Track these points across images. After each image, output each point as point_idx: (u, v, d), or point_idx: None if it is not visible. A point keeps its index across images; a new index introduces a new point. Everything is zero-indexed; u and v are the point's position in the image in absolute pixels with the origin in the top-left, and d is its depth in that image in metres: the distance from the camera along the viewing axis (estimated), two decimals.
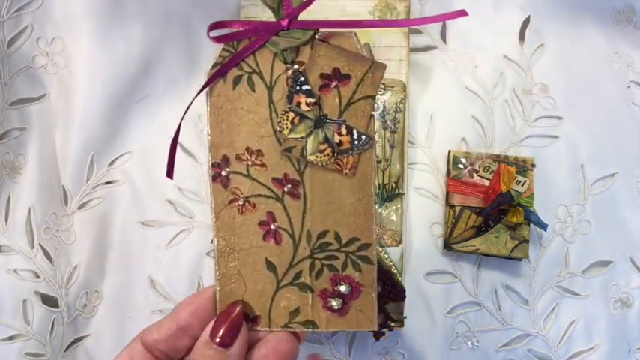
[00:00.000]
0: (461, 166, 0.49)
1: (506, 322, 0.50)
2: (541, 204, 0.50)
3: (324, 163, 0.33)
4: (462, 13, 0.33)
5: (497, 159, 0.49)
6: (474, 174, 0.49)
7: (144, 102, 0.51)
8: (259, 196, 0.34)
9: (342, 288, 0.34)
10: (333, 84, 0.33)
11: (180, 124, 0.34)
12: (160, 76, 0.51)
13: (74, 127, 0.49)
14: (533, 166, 0.49)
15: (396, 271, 0.47)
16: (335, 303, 0.34)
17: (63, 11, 0.50)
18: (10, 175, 0.48)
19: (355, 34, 0.32)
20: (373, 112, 0.33)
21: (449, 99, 0.52)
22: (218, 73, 0.33)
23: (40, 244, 0.48)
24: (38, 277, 0.48)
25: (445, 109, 0.52)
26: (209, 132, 0.34)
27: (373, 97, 0.33)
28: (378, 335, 0.47)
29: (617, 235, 0.51)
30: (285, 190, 0.34)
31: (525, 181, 0.49)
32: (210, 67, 0.33)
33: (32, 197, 0.48)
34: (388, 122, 0.48)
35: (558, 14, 0.54)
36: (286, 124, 0.33)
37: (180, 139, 0.50)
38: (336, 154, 0.33)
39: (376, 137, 0.48)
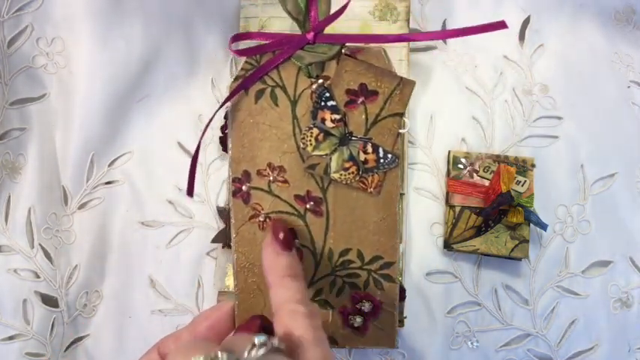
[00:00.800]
0: (461, 166, 0.49)
1: (506, 322, 0.50)
2: (541, 204, 0.50)
3: (348, 182, 0.32)
4: (502, 24, 0.31)
5: (497, 159, 0.49)
6: (474, 174, 0.49)
7: (144, 102, 0.51)
8: (281, 212, 0.33)
9: (364, 306, 0.34)
10: (360, 100, 0.32)
11: (199, 143, 0.33)
12: (160, 76, 0.51)
13: (74, 127, 0.49)
14: (533, 166, 0.49)
15: None
16: (356, 321, 0.34)
17: (63, 11, 0.50)
18: (10, 175, 0.48)
19: (384, 49, 0.32)
20: (400, 130, 0.32)
21: (449, 99, 0.52)
22: (241, 86, 0.32)
23: (40, 244, 0.48)
24: (38, 277, 0.48)
25: (445, 109, 0.52)
26: (230, 146, 0.33)
27: (401, 115, 0.32)
28: None
29: (617, 235, 0.51)
30: (308, 207, 0.33)
31: (525, 181, 0.49)
32: (232, 79, 0.32)
33: (32, 197, 0.48)
34: None
35: (558, 14, 0.54)
36: (310, 140, 0.32)
37: (180, 139, 0.51)
38: (361, 173, 0.32)
39: None
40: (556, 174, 0.51)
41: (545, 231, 0.49)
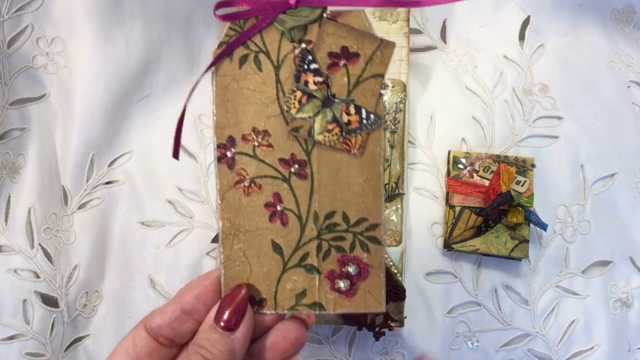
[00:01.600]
0: (461, 166, 0.49)
1: (506, 322, 0.50)
2: (541, 204, 0.50)
3: (332, 143, 0.33)
4: None
5: (497, 159, 0.49)
6: (474, 174, 0.49)
7: (144, 102, 0.51)
8: (266, 176, 0.33)
9: (350, 269, 0.34)
10: (342, 63, 0.32)
11: (186, 103, 0.33)
12: (160, 76, 0.51)
13: (74, 127, 0.49)
14: (533, 166, 0.49)
15: (396, 271, 0.47)
16: (343, 284, 0.34)
17: (63, 11, 0.50)
18: (10, 175, 0.48)
19: (364, 11, 0.32)
20: (382, 92, 0.32)
21: (449, 99, 0.52)
22: (224, 52, 0.32)
23: (40, 244, 0.48)
24: (38, 277, 0.48)
25: (445, 109, 0.52)
26: (214, 112, 0.33)
27: (382, 76, 0.32)
28: (378, 335, 0.47)
29: (617, 235, 0.51)
30: (292, 170, 0.33)
31: (525, 181, 0.49)
32: (217, 46, 0.32)
33: (32, 197, 0.48)
34: (388, 122, 0.48)
35: (558, 14, 0.54)
36: (294, 103, 0.33)
37: (181, 139, 0.51)
38: (344, 134, 0.32)
39: None
40: (556, 174, 0.51)
41: (545, 231, 0.49)
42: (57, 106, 0.50)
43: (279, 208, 0.34)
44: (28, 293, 0.47)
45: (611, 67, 0.53)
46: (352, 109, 0.32)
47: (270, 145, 0.33)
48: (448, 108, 0.52)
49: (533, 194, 0.48)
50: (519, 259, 0.50)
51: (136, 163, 0.50)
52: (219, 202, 0.34)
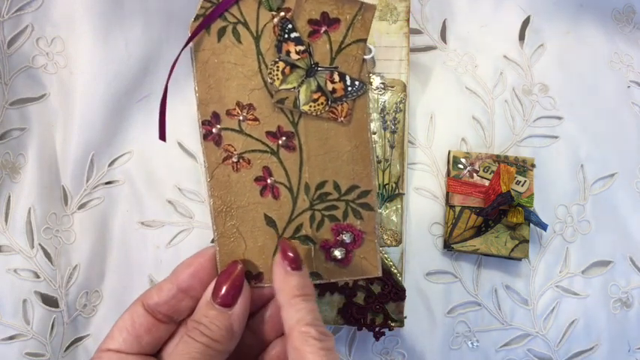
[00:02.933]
0: (461, 166, 0.49)
1: (506, 322, 0.50)
2: (541, 204, 0.50)
3: (318, 113, 0.32)
4: None
5: (497, 159, 0.49)
6: (474, 174, 0.49)
7: (144, 102, 0.51)
8: (254, 151, 0.33)
9: (345, 237, 0.34)
10: (323, 29, 0.31)
11: (167, 82, 0.33)
12: (159, 76, 0.51)
13: (74, 127, 0.49)
14: (533, 166, 0.49)
15: (396, 271, 0.47)
16: (338, 253, 0.34)
17: (63, 11, 0.50)
18: (10, 175, 0.48)
19: None
20: (365, 57, 0.32)
21: (449, 99, 0.52)
22: (201, 25, 0.31)
23: (40, 244, 0.48)
24: (38, 277, 0.48)
25: (445, 109, 0.52)
26: (196, 88, 0.32)
27: (364, 41, 0.32)
28: (378, 335, 0.47)
29: (617, 235, 0.51)
30: (280, 142, 0.33)
31: (525, 181, 0.49)
32: (193, 19, 0.31)
33: (32, 197, 0.48)
34: (388, 122, 0.48)
35: (558, 14, 0.54)
36: (277, 74, 0.32)
37: (180, 139, 0.51)
38: (330, 102, 0.32)
39: (376, 137, 0.48)
40: (556, 174, 0.51)
41: (545, 231, 0.49)
42: (57, 106, 0.50)
43: (269, 181, 0.33)
44: (28, 293, 0.47)
45: (611, 67, 0.53)
46: (336, 77, 0.32)
47: (255, 119, 0.33)
48: (448, 108, 0.52)
49: (533, 194, 0.48)
50: (519, 259, 0.50)
51: (136, 163, 0.50)
52: (208, 179, 0.33)
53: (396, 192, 0.48)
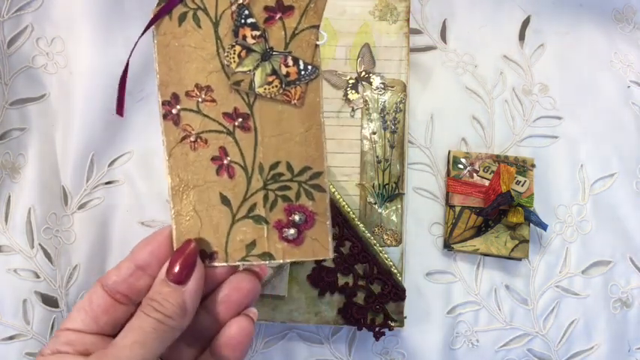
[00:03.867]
0: (461, 166, 0.49)
1: (506, 322, 0.50)
2: (541, 204, 0.50)
3: (272, 95, 0.33)
4: None
5: (497, 159, 0.49)
6: (474, 174, 0.49)
7: (144, 102, 0.51)
8: (211, 131, 0.34)
9: (296, 217, 0.34)
10: (278, 16, 0.33)
11: (128, 60, 0.34)
12: None
13: (74, 127, 0.49)
14: (533, 166, 0.49)
15: (396, 271, 0.47)
16: (290, 233, 0.35)
17: (63, 11, 0.50)
18: (10, 175, 0.48)
19: None
20: (318, 42, 0.33)
21: (449, 99, 0.52)
22: (163, 10, 0.33)
23: (40, 244, 0.48)
24: (38, 277, 0.48)
25: (445, 109, 0.52)
26: (157, 70, 0.34)
27: (317, 27, 0.33)
28: (378, 335, 0.47)
29: (617, 235, 0.51)
30: (236, 123, 0.34)
31: (525, 181, 0.49)
32: (156, 5, 0.33)
33: (32, 197, 0.48)
34: (388, 122, 0.48)
35: (558, 14, 0.54)
36: (234, 58, 0.33)
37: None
38: (284, 85, 0.33)
39: (376, 137, 0.48)
40: (556, 174, 0.51)
41: (545, 231, 0.49)
42: (57, 106, 0.50)
43: (225, 161, 0.34)
44: (28, 293, 0.47)
45: (611, 67, 0.53)
46: (290, 61, 0.33)
47: (213, 100, 0.34)
48: (448, 108, 0.52)
49: (533, 194, 0.48)
50: (519, 259, 0.50)
51: (136, 163, 0.50)
52: (167, 158, 0.34)
53: (396, 192, 0.48)
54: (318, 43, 0.33)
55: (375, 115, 0.48)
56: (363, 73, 0.48)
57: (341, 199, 0.47)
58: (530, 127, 0.52)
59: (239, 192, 0.35)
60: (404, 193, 0.48)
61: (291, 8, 0.33)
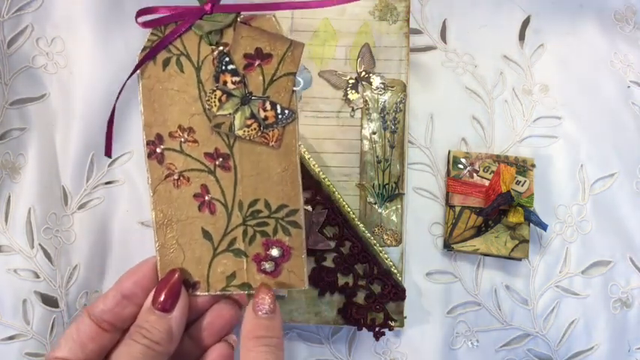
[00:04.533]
0: (461, 166, 0.49)
1: (506, 322, 0.50)
2: (541, 204, 0.50)
3: (251, 137, 0.35)
4: None
5: (498, 159, 0.49)
6: (474, 174, 0.49)
7: None
8: (193, 170, 0.36)
9: (274, 252, 0.36)
10: (257, 63, 0.35)
11: (115, 104, 0.36)
12: None
13: (74, 127, 0.49)
14: (533, 166, 0.49)
15: (396, 271, 0.47)
16: (268, 266, 0.37)
17: (63, 11, 0.50)
18: (10, 175, 0.48)
19: (274, 16, 0.35)
20: (295, 88, 0.35)
21: (449, 99, 0.52)
22: (148, 56, 0.35)
23: (40, 244, 0.48)
24: (38, 277, 0.48)
25: (445, 109, 0.52)
26: (142, 112, 0.36)
27: (294, 74, 0.35)
28: (378, 335, 0.47)
29: (617, 235, 0.51)
30: (217, 163, 0.36)
31: (525, 181, 0.49)
32: (141, 50, 0.35)
33: (32, 197, 0.48)
34: (388, 122, 0.48)
35: (558, 14, 0.54)
36: (215, 102, 0.35)
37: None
38: (262, 128, 0.35)
39: (376, 137, 0.48)
40: (556, 174, 0.51)
41: (545, 231, 0.49)
42: (57, 106, 0.50)
43: (206, 198, 0.36)
44: (28, 293, 0.47)
45: (611, 67, 0.53)
46: (268, 106, 0.35)
47: (195, 141, 0.36)
48: (448, 108, 0.52)
49: (533, 194, 0.48)
50: (519, 259, 0.50)
51: (136, 163, 0.50)
52: (151, 194, 0.36)
53: (396, 192, 0.48)
54: (294, 88, 0.35)
55: (375, 115, 0.48)
56: (363, 73, 0.49)
57: (341, 199, 0.47)
58: (530, 127, 0.52)
59: (220, 227, 0.36)
60: (404, 193, 0.48)
61: (269, 56, 0.35)
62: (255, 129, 0.35)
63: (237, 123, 0.35)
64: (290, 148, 0.35)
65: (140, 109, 0.35)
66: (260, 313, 0.34)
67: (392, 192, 0.48)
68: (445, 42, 0.53)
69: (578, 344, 0.50)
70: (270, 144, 0.35)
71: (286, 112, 0.35)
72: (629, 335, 0.50)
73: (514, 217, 0.47)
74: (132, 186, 0.50)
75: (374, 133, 0.48)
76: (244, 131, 0.35)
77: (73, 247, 0.49)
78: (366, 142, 0.48)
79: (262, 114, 0.35)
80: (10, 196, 0.48)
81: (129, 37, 0.50)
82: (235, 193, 0.36)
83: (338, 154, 0.48)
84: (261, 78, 0.35)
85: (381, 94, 0.48)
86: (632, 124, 0.52)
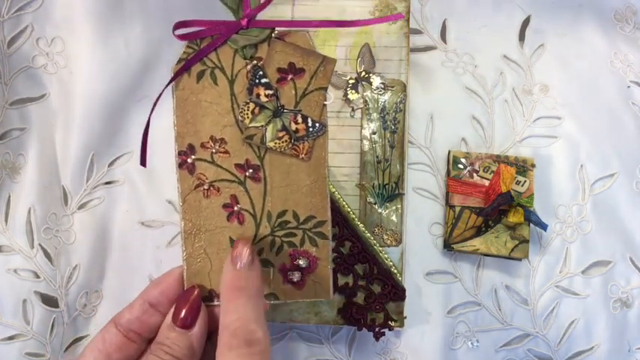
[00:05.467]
0: (461, 166, 0.49)
1: (506, 322, 0.50)
2: (541, 204, 0.50)
3: (282, 149, 0.36)
4: (400, 16, 0.35)
5: (498, 159, 0.49)
6: (474, 174, 0.49)
7: (144, 102, 0.51)
8: (223, 180, 0.37)
9: (301, 262, 0.37)
10: (289, 77, 0.36)
11: (150, 116, 0.36)
12: (159, 76, 0.51)
13: (74, 127, 0.49)
14: (533, 166, 0.49)
15: (396, 271, 0.47)
16: (294, 276, 0.37)
17: (63, 11, 0.50)
18: (10, 175, 0.48)
19: (308, 32, 0.36)
20: (325, 102, 0.36)
21: (449, 99, 0.52)
22: (183, 68, 0.36)
23: (40, 244, 0.48)
24: (38, 277, 0.48)
25: (445, 109, 0.52)
26: (175, 122, 0.36)
27: (325, 89, 0.36)
28: (378, 335, 0.47)
29: (617, 235, 0.51)
30: (247, 174, 0.36)
31: (525, 181, 0.49)
32: (176, 62, 0.36)
33: (32, 197, 0.48)
34: (388, 122, 0.48)
35: (558, 14, 0.54)
36: (247, 114, 0.36)
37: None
38: (293, 141, 0.36)
39: (376, 137, 0.48)
40: (556, 174, 0.51)
41: (545, 231, 0.49)
42: (57, 106, 0.50)
43: (235, 208, 0.37)
44: (28, 293, 0.47)
45: (611, 67, 0.53)
46: (299, 119, 0.36)
47: (226, 152, 0.36)
48: (448, 108, 0.52)
49: (533, 194, 0.48)
50: (519, 259, 0.50)
51: (136, 163, 0.50)
52: (181, 204, 0.37)
53: (396, 192, 0.48)
54: (325, 102, 0.36)
55: (375, 115, 0.48)
56: (363, 73, 0.49)
57: (341, 199, 0.47)
58: (530, 127, 0.52)
59: (247, 237, 0.37)
60: (404, 193, 0.48)
61: (302, 71, 0.36)
62: (286, 141, 0.36)
63: (268, 135, 0.36)
64: (320, 160, 0.36)
65: (173, 120, 0.36)
66: (238, 265, 0.34)
67: (392, 192, 0.48)
68: (445, 42, 0.53)
69: (578, 344, 0.50)
70: (301, 156, 0.36)
71: (317, 125, 0.36)
72: (629, 335, 0.50)
73: (514, 217, 0.47)
74: (132, 186, 0.50)
75: (374, 133, 0.48)
76: (275, 143, 0.36)
77: (73, 247, 0.49)
78: (366, 142, 0.48)
79: (294, 127, 0.36)
80: (10, 196, 0.48)
81: (129, 37, 0.50)
82: (264, 204, 0.37)
83: (338, 154, 0.48)
84: (293, 92, 0.36)
85: (381, 94, 0.48)
86: (632, 124, 0.52)
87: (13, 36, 0.50)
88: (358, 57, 0.49)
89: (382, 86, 0.48)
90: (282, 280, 0.37)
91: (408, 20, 0.49)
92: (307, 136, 0.36)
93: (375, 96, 0.48)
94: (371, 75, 0.48)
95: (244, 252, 0.34)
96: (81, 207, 0.50)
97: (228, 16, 0.51)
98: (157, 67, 0.51)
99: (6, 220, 0.48)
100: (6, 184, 0.48)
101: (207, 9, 0.51)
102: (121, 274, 0.50)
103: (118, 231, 0.50)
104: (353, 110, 0.48)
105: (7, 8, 0.49)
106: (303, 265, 0.37)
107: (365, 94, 0.48)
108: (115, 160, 0.50)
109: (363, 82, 0.48)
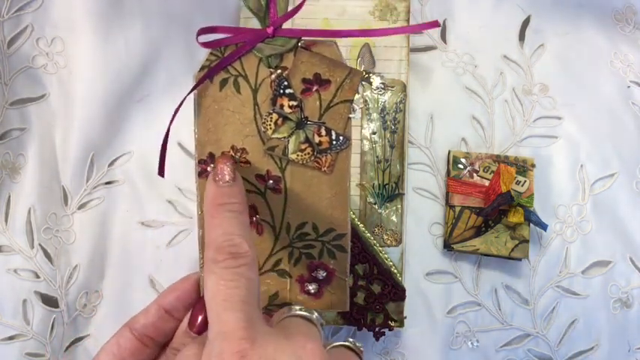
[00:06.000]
0: (461, 166, 0.49)
1: (506, 322, 0.50)
2: (541, 204, 0.50)
3: (304, 161, 0.35)
4: (435, 24, 0.35)
5: (498, 159, 0.49)
6: (474, 174, 0.49)
7: (144, 102, 0.51)
8: None
9: (318, 274, 0.37)
10: (314, 88, 0.35)
11: (170, 123, 0.35)
12: (159, 76, 0.51)
13: (74, 127, 0.49)
14: (533, 166, 0.49)
15: (396, 271, 0.47)
16: (311, 287, 0.37)
17: (63, 11, 0.50)
18: (10, 175, 0.48)
19: (335, 42, 0.35)
20: (351, 115, 0.35)
21: (449, 99, 0.52)
22: (206, 75, 0.34)
23: (40, 244, 0.48)
24: (38, 277, 0.48)
25: (445, 109, 0.52)
26: (196, 130, 0.35)
27: (351, 101, 0.35)
28: (378, 335, 0.47)
29: (617, 235, 0.51)
30: (268, 185, 0.36)
31: (525, 181, 0.49)
32: (199, 69, 0.34)
33: (32, 197, 0.48)
34: (388, 122, 0.48)
35: (558, 14, 0.54)
36: (270, 124, 0.35)
37: (180, 139, 0.51)
38: (315, 153, 0.35)
39: (376, 137, 0.48)
40: (556, 174, 0.51)
41: (545, 231, 0.49)
42: (57, 106, 0.50)
43: (255, 218, 0.36)
44: (28, 293, 0.47)
45: (611, 67, 0.53)
46: (323, 131, 0.35)
47: (247, 162, 0.36)
48: (448, 108, 0.52)
49: (533, 194, 0.48)
50: (519, 259, 0.50)
51: (136, 163, 0.50)
52: (199, 212, 0.36)
53: (396, 192, 0.48)
54: (350, 116, 0.35)
55: (375, 115, 0.48)
56: (363, 73, 0.48)
57: None
58: (530, 127, 0.52)
59: (266, 247, 0.37)
60: (404, 193, 0.48)
61: (328, 82, 0.35)
62: (308, 153, 0.35)
63: (291, 147, 0.35)
64: (342, 173, 0.35)
65: (193, 128, 0.35)
66: (221, 182, 0.33)
67: (392, 192, 0.48)
68: (445, 42, 0.53)
69: (578, 344, 0.50)
70: (323, 169, 0.35)
71: (341, 138, 0.35)
72: (629, 335, 0.50)
73: (514, 217, 0.47)
74: (132, 186, 0.50)
75: (374, 133, 0.48)
76: (298, 155, 0.35)
77: (73, 247, 0.49)
78: (366, 142, 0.48)
79: (317, 139, 0.35)
80: (10, 196, 0.48)
81: (129, 36, 0.50)
82: (284, 215, 0.36)
83: None
84: (318, 103, 0.35)
85: (381, 94, 0.48)
86: (632, 124, 0.52)
87: (13, 36, 0.50)
88: (358, 57, 0.49)
89: (382, 86, 0.48)
90: (299, 291, 0.37)
91: (408, 20, 0.49)
92: (330, 149, 0.35)
93: (375, 96, 0.48)
94: (371, 75, 0.48)
95: (226, 169, 0.33)
96: (81, 207, 0.50)
97: (228, 15, 0.51)
98: (156, 67, 0.51)
99: (6, 220, 0.48)
100: (6, 184, 0.48)
101: (208, 9, 0.51)
102: (121, 274, 0.50)
103: (118, 231, 0.50)
104: (353, 110, 0.48)
105: (7, 8, 0.49)
106: (321, 277, 0.37)
107: (365, 94, 0.48)
108: (115, 160, 0.50)
109: (363, 82, 0.48)
